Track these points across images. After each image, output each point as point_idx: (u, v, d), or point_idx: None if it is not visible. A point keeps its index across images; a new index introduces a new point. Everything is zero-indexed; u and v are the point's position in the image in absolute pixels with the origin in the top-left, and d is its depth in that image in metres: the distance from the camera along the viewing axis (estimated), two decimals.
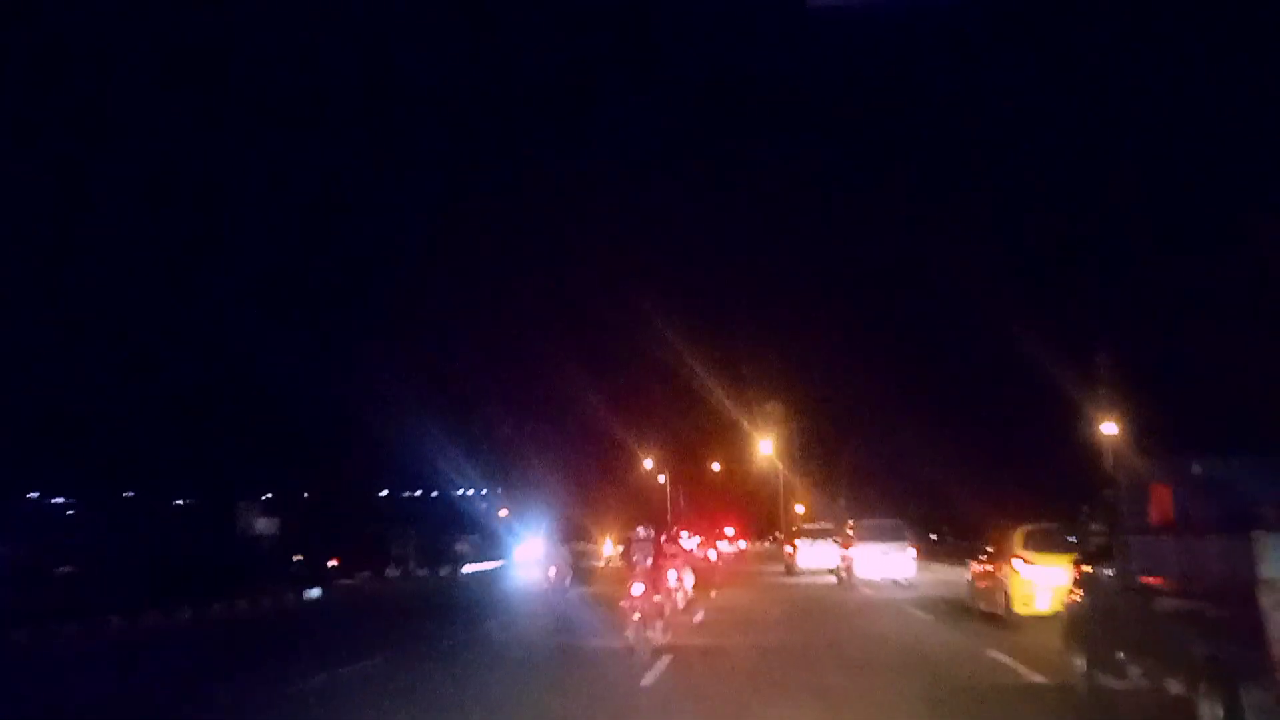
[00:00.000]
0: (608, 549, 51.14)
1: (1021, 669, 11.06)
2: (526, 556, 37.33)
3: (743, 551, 62.78)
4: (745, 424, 51.97)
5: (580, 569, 36.95)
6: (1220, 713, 6.89)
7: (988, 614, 16.38)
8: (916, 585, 25.77)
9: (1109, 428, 27.80)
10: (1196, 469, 8.52)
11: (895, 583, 25.93)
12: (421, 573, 39.01)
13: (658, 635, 13.86)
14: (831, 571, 29.84)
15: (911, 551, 27.25)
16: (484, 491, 52.21)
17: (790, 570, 33.75)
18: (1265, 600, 6.40)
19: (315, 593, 29.04)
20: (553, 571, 24.76)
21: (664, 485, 60.15)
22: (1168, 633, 7.69)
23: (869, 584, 25.95)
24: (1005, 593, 15.64)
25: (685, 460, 59.41)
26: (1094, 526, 9.37)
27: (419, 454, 40.62)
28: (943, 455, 36.57)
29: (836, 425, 49.67)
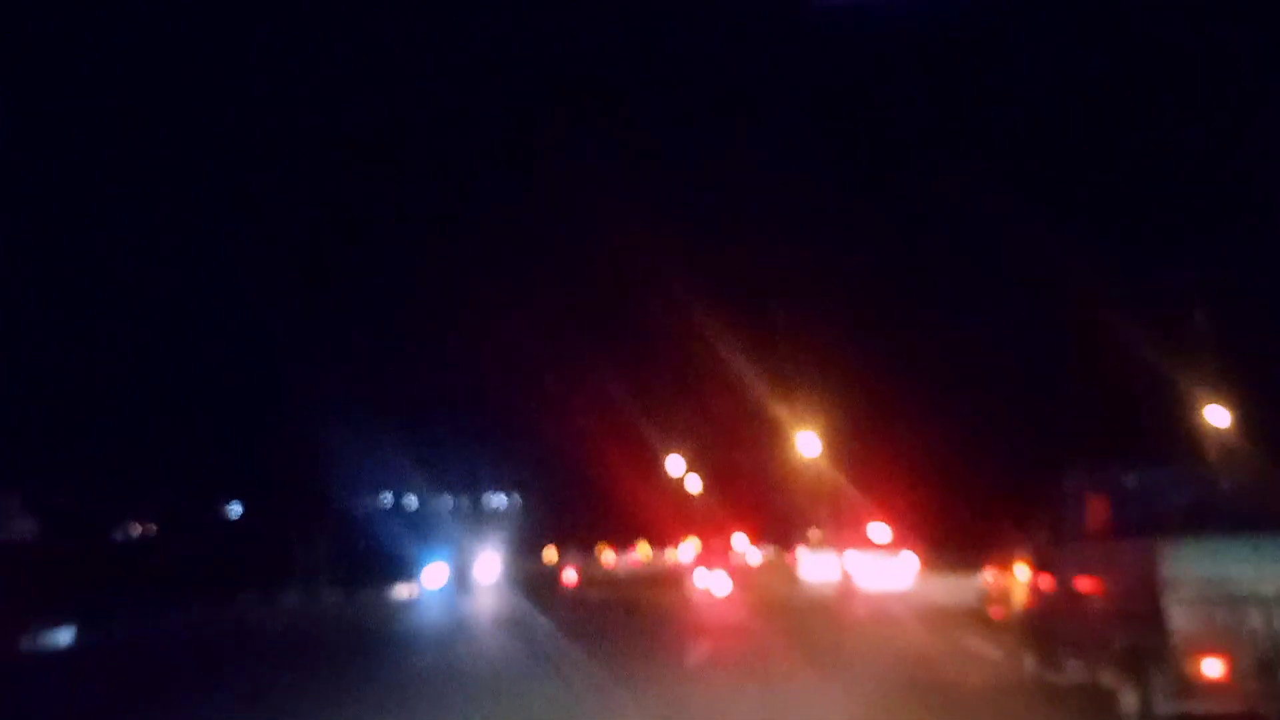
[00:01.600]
0: (611, 558, 51.36)
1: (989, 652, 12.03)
2: (456, 577, 31.47)
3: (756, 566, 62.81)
4: (783, 419, 48.80)
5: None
6: (1135, 699, 7.74)
7: (998, 620, 17.25)
8: (915, 593, 26.53)
9: (1220, 418, 25.61)
10: (1130, 481, 9.40)
11: (893, 591, 26.67)
12: (333, 595, 29.75)
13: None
14: (834, 583, 30.54)
15: (911, 560, 27.97)
16: (440, 499, 45.46)
17: (793, 582, 34.43)
18: (1167, 597, 7.26)
19: (64, 638, 19.08)
20: (574, 575, 31.64)
21: (685, 489, 59.52)
22: (1096, 629, 8.54)
23: (868, 592, 26.69)
24: (1010, 597, 16.58)
25: (708, 462, 57.80)
26: (1042, 534, 10.20)
27: (363, 456, 33.88)
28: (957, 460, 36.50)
29: (889, 420, 46.22)
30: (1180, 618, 7.22)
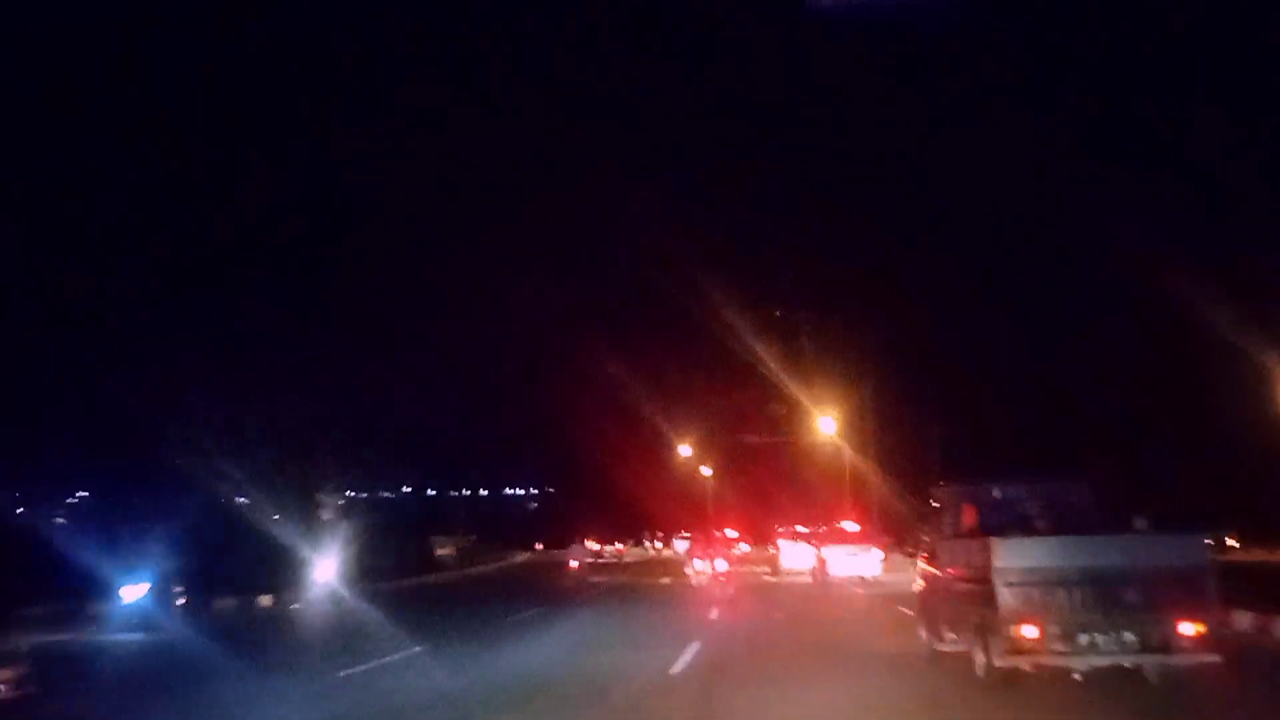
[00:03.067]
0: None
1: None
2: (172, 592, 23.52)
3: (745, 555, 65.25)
4: (801, 399, 41.74)
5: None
6: (983, 659, 10.24)
7: None
8: (882, 583, 29.17)
9: None
10: (996, 491, 11.90)
11: (863, 580, 29.32)
12: (182, 602, 23.29)
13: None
14: (810, 571, 33.14)
15: (877, 553, 30.69)
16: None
17: (775, 570, 37.06)
18: (997, 581, 9.74)
19: None
20: (575, 564, 37.83)
21: (675, 486, 60.46)
22: (960, 607, 11.03)
23: (839, 580, 29.33)
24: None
25: (715, 450, 56.26)
26: (933, 531, 12.70)
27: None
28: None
29: (924, 395, 39.98)
30: (1006, 596, 9.70)
